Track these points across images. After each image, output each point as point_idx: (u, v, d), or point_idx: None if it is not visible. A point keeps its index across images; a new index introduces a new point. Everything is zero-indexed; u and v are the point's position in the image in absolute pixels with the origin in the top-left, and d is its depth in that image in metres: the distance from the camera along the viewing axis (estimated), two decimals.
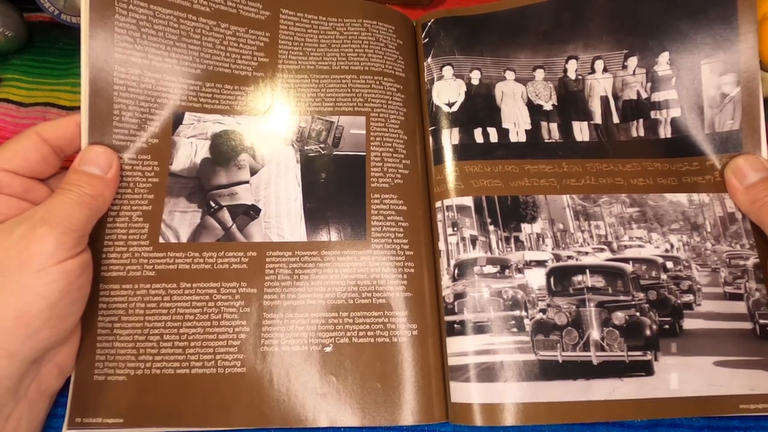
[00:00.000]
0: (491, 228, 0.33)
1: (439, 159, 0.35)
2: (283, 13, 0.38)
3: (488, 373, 0.29)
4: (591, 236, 0.33)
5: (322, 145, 0.35)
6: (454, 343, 0.31)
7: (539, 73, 0.37)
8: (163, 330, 0.31)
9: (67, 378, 0.30)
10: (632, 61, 0.37)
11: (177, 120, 0.34)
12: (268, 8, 0.37)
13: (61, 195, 0.28)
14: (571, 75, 0.37)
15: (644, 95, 0.36)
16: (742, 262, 0.32)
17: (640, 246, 0.33)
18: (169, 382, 0.30)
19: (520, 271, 0.32)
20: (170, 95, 0.34)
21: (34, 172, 0.30)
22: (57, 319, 0.27)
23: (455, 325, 0.31)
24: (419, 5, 0.44)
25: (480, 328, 0.31)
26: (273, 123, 0.36)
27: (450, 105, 0.36)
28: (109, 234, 0.32)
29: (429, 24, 0.38)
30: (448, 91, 0.37)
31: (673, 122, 0.35)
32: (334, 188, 0.34)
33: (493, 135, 0.35)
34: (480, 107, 0.36)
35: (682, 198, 0.34)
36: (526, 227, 0.33)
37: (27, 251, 0.26)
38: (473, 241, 0.33)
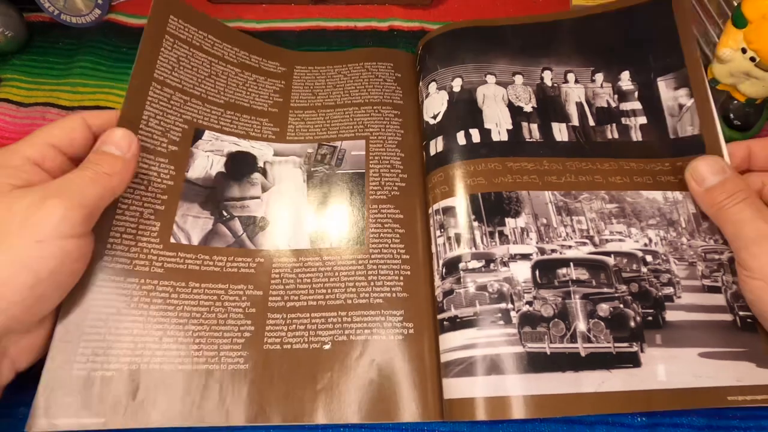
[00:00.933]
0: (475, 224, 0.29)
1: (427, 169, 0.32)
2: (297, 68, 0.38)
3: (477, 367, 0.25)
4: (573, 230, 0.29)
5: (326, 166, 0.34)
6: (445, 340, 0.27)
7: (518, 78, 0.34)
8: (168, 326, 0.27)
9: (15, 376, 0.24)
10: (599, 77, 0.34)
11: (197, 135, 0.33)
12: (284, 65, 0.38)
13: (78, 171, 0.25)
14: (548, 83, 0.34)
15: (613, 104, 0.33)
16: (717, 257, 0.28)
17: (620, 240, 0.29)
18: (170, 377, 0.26)
19: (505, 264, 0.28)
20: (194, 115, 0.33)
21: (74, 152, 0.27)
22: (35, 299, 0.22)
23: (445, 322, 0.27)
24: (419, 5, 0.42)
25: (467, 323, 0.27)
26: (284, 149, 0.35)
27: (434, 117, 0.33)
28: (116, 226, 0.28)
29: (419, 52, 0.37)
30: (433, 105, 0.34)
31: (642, 128, 0.32)
32: (336, 201, 0.33)
33: (476, 135, 0.32)
34: (462, 112, 0.33)
35: (657, 195, 0.30)
36: (510, 221, 0.29)
37: (32, 218, 0.22)
38: (458, 238, 0.29)
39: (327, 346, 0.27)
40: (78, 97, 0.37)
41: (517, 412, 0.24)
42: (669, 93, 0.32)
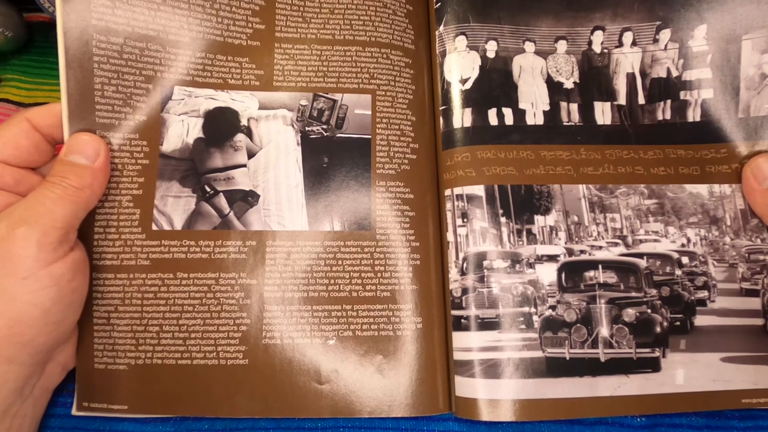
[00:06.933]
0: (503, 220, 0.36)
1: (449, 143, 0.38)
2: None
3: (494, 370, 0.34)
4: (606, 229, 0.37)
5: (324, 126, 0.38)
6: (460, 338, 0.35)
7: (561, 45, 0.39)
8: (162, 321, 0.35)
9: (68, 372, 0.35)
10: (665, 35, 0.39)
11: (165, 95, 0.37)
12: None
13: (44, 189, 0.30)
14: (596, 48, 0.39)
15: (675, 73, 0.39)
16: (762, 257, 0.37)
17: (655, 240, 0.37)
18: (171, 372, 0.34)
19: (531, 266, 0.36)
20: (156, 67, 0.36)
21: (26, 161, 0.33)
22: (53, 324, 0.30)
23: (462, 320, 0.36)
24: None
25: (488, 325, 0.35)
26: (271, 100, 0.38)
27: (463, 82, 0.39)
28: (99, 220, 0.35)
29: None
30: (461, 65, 0.39)
31: (704, 104, 0.38)
32: (338, 174, 0.38)
33: (509, 116, 0.38)
34: (495, 84, 0.39)
35: (702, 189, 0.37)
36: (539, 219, 0.37)
37: (9, 255, 0.28)
38: (483, 233, 0.37)
39: (331, 342, 0.36)
40: None
41: (530, 415, 0.34)
42: (754, 57, 0.37)
